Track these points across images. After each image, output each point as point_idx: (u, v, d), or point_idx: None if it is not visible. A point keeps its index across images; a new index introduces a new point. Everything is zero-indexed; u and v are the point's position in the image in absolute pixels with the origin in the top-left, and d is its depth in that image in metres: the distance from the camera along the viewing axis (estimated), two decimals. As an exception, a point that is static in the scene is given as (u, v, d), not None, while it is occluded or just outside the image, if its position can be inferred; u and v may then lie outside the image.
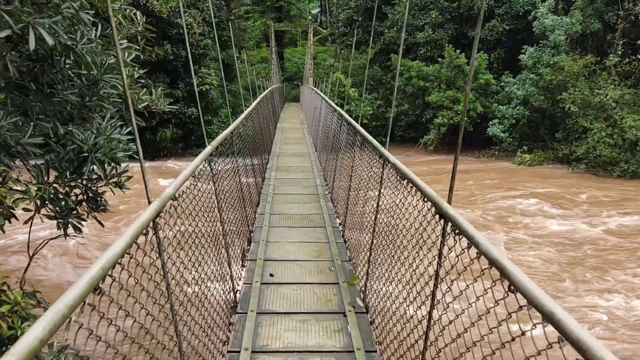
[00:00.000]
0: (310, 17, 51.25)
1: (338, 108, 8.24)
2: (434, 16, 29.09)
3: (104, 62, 5.59)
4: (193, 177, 3.32)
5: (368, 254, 4.50)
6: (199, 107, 4.94)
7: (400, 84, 28.99)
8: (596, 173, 22.07)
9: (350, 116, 7.91)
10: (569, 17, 24.31)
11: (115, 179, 5.41)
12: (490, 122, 25.81)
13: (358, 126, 5.87)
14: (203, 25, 29.64)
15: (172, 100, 27.21)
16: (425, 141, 27.91)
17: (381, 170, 4.19)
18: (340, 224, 6.76)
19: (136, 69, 6.55)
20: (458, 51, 27.27)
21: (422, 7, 29.77)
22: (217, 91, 31.57)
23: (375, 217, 4.26)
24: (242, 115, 6.77)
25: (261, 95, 11.10)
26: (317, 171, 10.52)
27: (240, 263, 5.40)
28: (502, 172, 22.75)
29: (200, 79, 28.89)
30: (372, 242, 4.36)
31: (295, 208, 7.68)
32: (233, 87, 34.93)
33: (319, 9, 59.06)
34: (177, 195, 2.76)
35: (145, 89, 6.47)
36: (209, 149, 4.05)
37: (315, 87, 26.03)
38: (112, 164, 5.04)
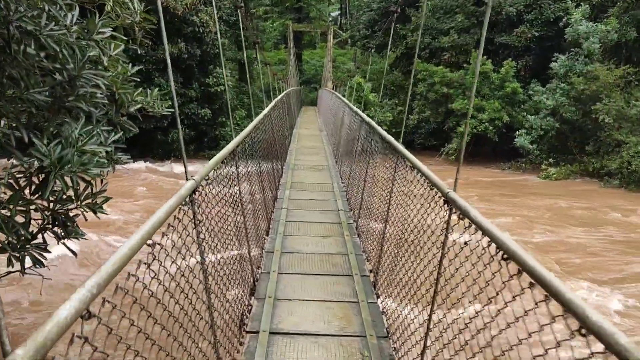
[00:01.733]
0: (330, 19, 50.27)
1: (368, 118, 7.01)
2: (459, 20, 27.93)
3: (83, 55, 4.55)
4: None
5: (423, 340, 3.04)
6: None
7: (422, 90, 27.86)
8: (630, 189, 20.73)
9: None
10: (604, 24, 23.00)
11: (89, 200, 4.36)
12: (517, 133, 24.55)
13: (402, 148, 4.44)
14: (220, 24, 28.79)
15: (182, 101, 26.48)
16: (447, 150, 26.71)
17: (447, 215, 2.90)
18: (371, 272, 5.28)
19: (129, 65, 5.54)
20: (484, 57, 26.06)
21: (448, 11, 28.62)
22: (233, 92, 30.68)
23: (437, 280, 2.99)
24: (251, 126, 5.69)
25: (275, 100, 9.95)
26: (338, 190, 9.06)
27: (234, 342, 3.72)
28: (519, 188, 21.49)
29: (215, 79, 28.02)
30: (429, 318, 3.01)
31: (312, 244, 6.15)
32: (249, 89, 34.05)
33: (339, 12, 58.08)
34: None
35: (140, 89, 5.49)
36: (190, 184, 2.79)
37: (334, 90, 24.97)
38: (86, 181, 4.00)
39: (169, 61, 3.59)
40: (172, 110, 6.09)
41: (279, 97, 11.15)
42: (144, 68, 25.25)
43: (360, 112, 7.61)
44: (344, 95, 21.44)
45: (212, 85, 27.68)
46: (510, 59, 25.76)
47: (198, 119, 27.30)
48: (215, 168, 3.44)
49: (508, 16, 26.30)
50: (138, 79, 5.64)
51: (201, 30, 25.96)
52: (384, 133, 5.37)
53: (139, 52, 23.51)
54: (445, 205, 2.83)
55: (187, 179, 2.77)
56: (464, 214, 2.47)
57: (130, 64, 5.44)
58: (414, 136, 29.97)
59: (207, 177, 3.12)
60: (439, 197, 2.95)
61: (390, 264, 4.40)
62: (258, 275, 5.10)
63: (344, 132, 10.53)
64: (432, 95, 27.41)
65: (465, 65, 27.14)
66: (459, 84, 26.80)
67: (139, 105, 5.37)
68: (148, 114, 5.80)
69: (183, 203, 2.49)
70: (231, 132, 28.35)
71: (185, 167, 3.02)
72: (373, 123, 6.24)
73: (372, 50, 17.34)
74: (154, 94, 5.48)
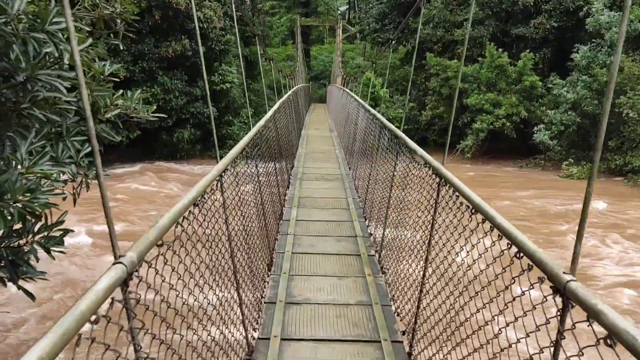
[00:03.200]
0: (338, 13, 49.26)
1: (391, 126, 5.84)
2: (473, 12, 26.76)
3: (38, 51, 3.67)
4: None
5: None
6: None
7: (435, 85, 26.81)
8: (657, 187, 19.67)
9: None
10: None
11: (42, 235, 3.53)
12: (536, 128, 23.45)
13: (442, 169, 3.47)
14: (225, 19, 27.89)
15: (187, 100, 25.64)
16: (463, 148, 25.67)
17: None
18: (404, 334, 3.98)
19: (107, 64, 4.68)
20: (500, 50, 24.98)
21: (461, 2, 27.49)
22: (239, 90, 29.82)
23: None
24: (251, 132, 4.78)
25: (279, 101, 8.84)
26: (354, 206, 7.66)
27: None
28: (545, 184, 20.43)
29: (220, 77, 27.16)
30: None
31: (325, 289, 4.80)
32: (256, 86, 33.20)
33: (347, 6, 57.04)
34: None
35: (122, 91, 4.62)
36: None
37: (344, 87, 24.00)
38: (34, 215, 3.18)
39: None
40: (160, 116, 5.24)
41: (285, 96, 10.02)
42: (146, 66, 24.68)
43: (379, 116, 6.61)
44: (354, 92, 20.45)
45: (218, 83, 26.82)
46: (528, 51, 24.62)
47: (204, 118, 26.48)
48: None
49: (525, 6, 25.16)
50: (118, 80, 4.79)
51: (205, 26, 25.07)
52: (422, 152, 4.36)
53: (144, 50, 22.48)
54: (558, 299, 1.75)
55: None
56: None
57: (108, 62, 4.59)
58: (427, 133, 28.99)
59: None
60: (551, 288, 1.78)
61: (434, 325, 3.22)
62: (254, 342, 3.81)
63: (358, 136, 9.29)
64: (446, 91, 26.36)
65: (480, 58, 26.05)
66: (474, 78, 25.73)
67: (117, 111, 4.50)
68: (131, 120, 4.94)
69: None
70: (238, 132, 27.65)
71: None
72: (399, 133, 5.16)
73: (392, 42, 15.92)
74: (134, 97, 4.61)
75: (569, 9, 24.61)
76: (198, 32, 4.30)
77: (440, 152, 27.59)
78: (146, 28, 24.15)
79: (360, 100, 9.15)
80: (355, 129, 9.64)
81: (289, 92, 11.72)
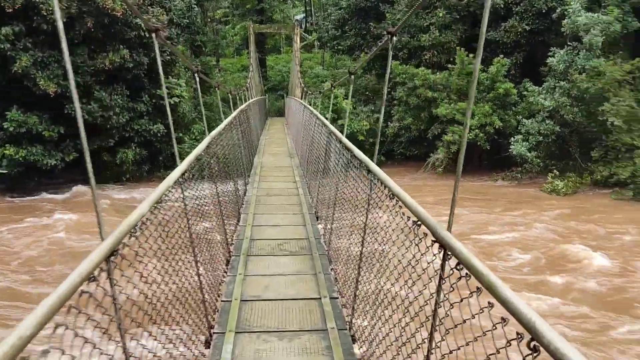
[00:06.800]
0: (295, 22, 47.12)
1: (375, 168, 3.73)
2: (440, 15, 24.98)
3: None
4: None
5: None
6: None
7: (402, 95, 24.82)
8: (647, 201, 18.10)
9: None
10: (605, 13, 20.35)
11: None
12: (513, 139, 21.66)
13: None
14: (171, 27, 25.25)
15: (130, 117, 22.84)
16: (433, 161, 23.71)
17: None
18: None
19: None
20: (471, 55, 23.22)
21: (427, 5, 25.67)
22: (189, 104, 27.20)
23: None
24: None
25: (210, 136, 5.89)
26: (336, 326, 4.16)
27: None
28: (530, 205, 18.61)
29: (168, 91, 24.39)
30: None
31: None
32: (208, 99, 30.55)
33: (304, 15, 54.96)
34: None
35: None
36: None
37: (303, 98, 21.66)
38: None
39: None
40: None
41: (223, 123, 6.95)
42: (80, 80, 21.73)
43: (357, 151, 4.39)
44: (314, 105, 18.12)
45: (163, 97, 24.08)
46: (501, 56, 22.93)
47: (150, 136, 23.69)
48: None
49: (495, 9, 23.49)
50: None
51: (147, 35, 22.30)
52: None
53: (77, 62, 19.46)
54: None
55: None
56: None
57: None
58: (393, 145, 26.99)
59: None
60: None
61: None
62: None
63: (331, 177, 6.43)
64: (414, 100, 24.36)
65: (449, 65, 24.23)
66: (444, 87, 23.87)
67: None
68: None
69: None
70: (189, 150, 24.95)
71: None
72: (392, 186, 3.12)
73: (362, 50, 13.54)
74: None
75: (542, 10, 23.05)
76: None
77: (409, 165, 25.63)
78: (78, 37, 21.32)
79: (334, 129, 6.35)
80: (327, 160, 6.88)
81: (231, 116, 8.89)
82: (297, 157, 13.12)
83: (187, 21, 28.95)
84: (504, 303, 1.50)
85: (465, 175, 23.15)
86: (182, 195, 3.68)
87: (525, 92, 22.62)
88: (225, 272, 5.03)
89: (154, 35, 3.62)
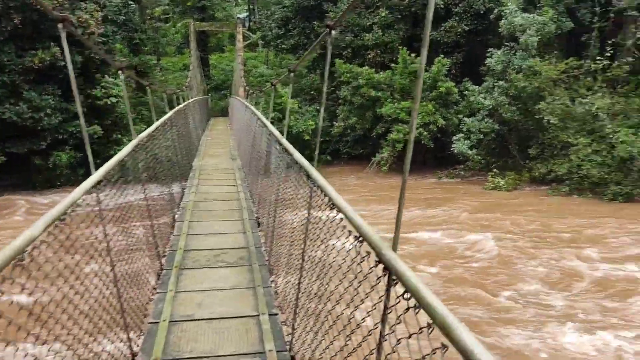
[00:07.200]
0: (237, 17, 46.31)
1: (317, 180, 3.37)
2: (383, 15, 25.08)
3: None
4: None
5: None
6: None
7: (346, 94, 24.75)
8: (583, 196, 18.75)
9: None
10: (540, 14, 20.98)
11: None
12: (455, 137, 22.01)
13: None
14: (106, 25, 24.16)
15: (64, 118, 21.67)
16: (379, 160, 23.77)
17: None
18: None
19: None
20: (413, 55, 23.43)
21: (369, 5, 25.72)
22: (128, 104, 25.98)
23: None
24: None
25: (143, 134, 5.49)
26: None
27: None
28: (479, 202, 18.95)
29: (105, 90, 23.32)
30: None
31: None
32: (147, 99, 29.48)
33: (247, 13, 54.13)
34: None
35: None
36: None
37: (246, 98, 21.18)
38: None
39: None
40: None
41: (150, 128, 6.29)
42: (7, 79, 20.40)
43: (297, 155, 4.11)
44: (256, 105, 17.67)
45: (101, 97, 22.99)
46: (442, 56, 23.25)
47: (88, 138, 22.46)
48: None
49: (435, 9, 23.76)
50: None
51: (80, 32, 21.21)
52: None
53: (4, 60, 18.17)
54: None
55: None
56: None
57: None
58: (339, 145, 26.93)
59: None
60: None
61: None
62: None
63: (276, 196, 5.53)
64: (358, 100, 24.35)
65: (392, 65, 24.36)
66: (387, 86, 23.97)
67: None
68: None
69: None
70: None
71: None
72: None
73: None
74: None
75: (480, 11, 23.56)
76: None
77: (355, 164, 25.57)
78: (4, 34, 20.05)
79: (274, 130, 5.88)
80: (268, 167, 6.34)
81: (165, 116, 8.40)
82: (239, 159, 12.63)
83: (124, 18, 27.85)
84: (463, 352, 1.25)
85: (410, 173, 23.32)
86: (98, 208, 3.29)
87: (466, 92, 23.04)
88: (155, 289, 4.61)
89: (60, 25, 3.20)
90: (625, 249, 12.90)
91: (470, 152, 21.52)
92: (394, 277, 1.83)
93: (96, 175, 3.33)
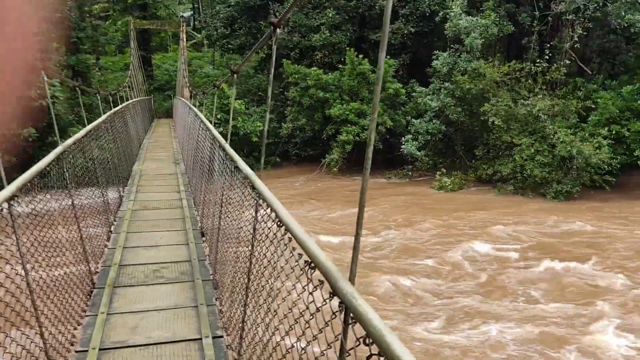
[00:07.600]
0: (181, 16, 45.11)
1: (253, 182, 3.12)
2: (330, 16, 24.94)
3: None
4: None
5: None
6: None
7: (295, 95, 24.45)
8: (526, 195, 19.22)
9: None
10: (483, 17, 21.38)
11: None
12: (404, 139, 22.13)
13: None
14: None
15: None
16: (329, 162, 23.60)
17: None
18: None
19: None
20: (360, 56, 23.40)
21: (317, 5, 25.53)
22: (65, 105, 24.86)
23: None
24: None
25: (69, 140, 5.13)
26: None
27: None
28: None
29: (39, 91, 22.00)
30: None
31: None
32: (87, 100, 28.18)
33: (191, 12, 52.84)
34: None
35: None
36: None
37: (191, 99, 20.48)
38: None
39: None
40: None
41: (79, 133, 5.88)
42: None
43: (240, 163, 3.80)
44: (199, 107, 17.10)
45: (35, 98, 21.69)
46: (388, 57, 23.32)
47: (20, 141, 21.16)
48: None
49: (382, 11, 23.85)
50: None
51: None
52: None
53: None
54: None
55: None
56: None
57: None
58: (288, 146, 26.58)
59: None
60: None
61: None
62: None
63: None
64: (307, 101, 24.10)
65: (340, 66, 24.25)
66: (336, 87, 23.83)
67: None
68: None
69: None
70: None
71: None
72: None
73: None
74: None
75: (425, 13, 23.81)
76: None
77: (305, 166, 25.29)
78: None
79: (217, 135, 5.43)
80: (212, 173, 5.88)
81: (96, 122, 7.83)
82: (183, 163, 12.05)
83: (61, 15, 26.47)
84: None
85: (359, 174, 23.32)
86: (11, 225, 2.86)
87: (413, 93, 23.21)
88: (84, 312, 4.15)
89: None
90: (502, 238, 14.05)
91: (418, 152, 21.69)
92: (351, 316, 1.56)
93: (7, 190, 2.88)
